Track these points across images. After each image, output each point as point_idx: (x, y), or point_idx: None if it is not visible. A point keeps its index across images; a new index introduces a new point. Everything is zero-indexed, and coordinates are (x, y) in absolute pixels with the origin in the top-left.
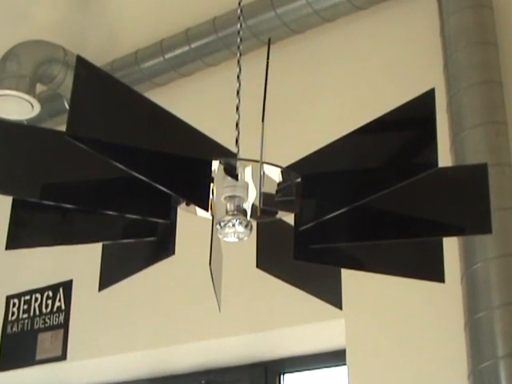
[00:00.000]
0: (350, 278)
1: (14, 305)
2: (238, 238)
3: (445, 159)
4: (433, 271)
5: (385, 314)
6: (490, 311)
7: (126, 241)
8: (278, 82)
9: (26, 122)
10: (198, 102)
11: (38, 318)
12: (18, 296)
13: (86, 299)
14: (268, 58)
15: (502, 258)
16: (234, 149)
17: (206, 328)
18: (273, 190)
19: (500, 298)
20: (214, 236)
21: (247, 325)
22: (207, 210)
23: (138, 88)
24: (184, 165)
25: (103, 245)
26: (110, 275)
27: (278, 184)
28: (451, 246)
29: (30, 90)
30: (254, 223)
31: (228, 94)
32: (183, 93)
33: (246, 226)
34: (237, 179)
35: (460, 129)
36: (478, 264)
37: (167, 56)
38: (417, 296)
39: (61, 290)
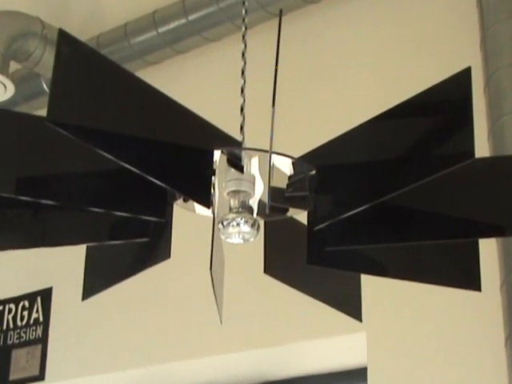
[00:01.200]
0: (372, 286)
1: None
2: (243, 239)
3: (481, 149)
4: (467, 278)
5: (412, 327)
6: None
7: (114, 242)
8: (289, 60)
9: None
10: (196, 83)
11: (11, 332)
12: None
13: (68, 310)
14: (279, 33)
15: None
16: (238, 137)
17: (206, 343)
18: (283, 183)
19: None
20: (215, 237)
21: (254, 339)
22: (208, 207)
23: (127, 67)
24: (181, 155)
25: (87, 247)
26: (95, 282)
27: (290, 177)
28: (489, 249)
29: (3, 69)
30: (262, 222)
31: (232, 73)
32: (180, 72)
33: (252, 226)
34: (242, 171)
35: (499, 113)
36: None
37: (161, 30)
38: (449, 307)
39: (39, 299)
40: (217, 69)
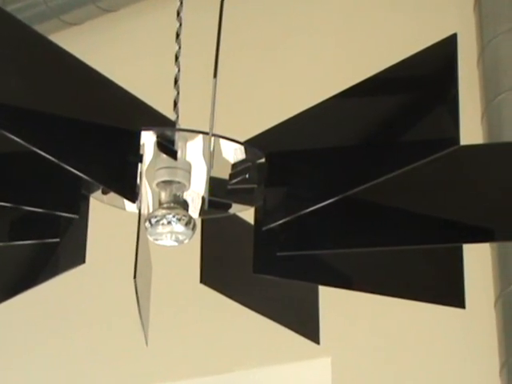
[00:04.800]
0: (336, 301)
1: None
2: (176, 240)
3: (473, 134)
4: (449, 292)
5: (384, 352)
6: None
7: (14, 243)
8: (236, 23)
9: None
10: (122, 49)
11: None
12: None
13: None
14: None
15: None
16: (171, 115)
17: (147, 370)
18: (226, 173)
19: None
20: (141, 238)
21: (199, 366)
22: (133, 201)
23: (40, 28)
24: (101, 136)
25: None
26: None
27: (234, 165)
28: (481, 258)
29: None
30: (199, 220)
31: (165, 37)
32: (104, 35)
33: (186, 225)
34: (175, 158)
35: (496, 91)
36: None
37: None
38: (431, 328)
39: None
40: (147, 32)
